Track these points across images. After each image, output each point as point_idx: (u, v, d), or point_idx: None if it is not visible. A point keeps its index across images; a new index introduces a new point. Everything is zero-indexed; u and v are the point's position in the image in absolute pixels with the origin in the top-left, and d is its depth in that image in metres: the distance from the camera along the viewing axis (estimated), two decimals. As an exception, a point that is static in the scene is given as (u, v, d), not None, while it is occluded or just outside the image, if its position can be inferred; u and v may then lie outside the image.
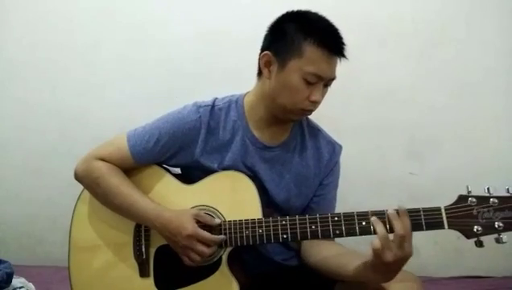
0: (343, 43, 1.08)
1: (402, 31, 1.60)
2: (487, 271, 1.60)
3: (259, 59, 1.13)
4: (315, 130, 1.25)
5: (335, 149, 1.24)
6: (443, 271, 1.62)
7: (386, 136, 1.65)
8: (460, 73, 1.60)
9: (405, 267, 1.10)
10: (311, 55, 1.04)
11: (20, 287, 1.33)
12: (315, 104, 1.09)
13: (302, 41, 1.04)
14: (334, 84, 1.58)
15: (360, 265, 0.94)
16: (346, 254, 1.06)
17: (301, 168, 1.20)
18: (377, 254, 0.88)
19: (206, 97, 1.25)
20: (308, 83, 1.05)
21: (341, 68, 1.58)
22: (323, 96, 1.10)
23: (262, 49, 1.12)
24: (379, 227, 0.90)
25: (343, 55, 1.08)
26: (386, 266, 0.89)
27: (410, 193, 1.60)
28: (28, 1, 1.74)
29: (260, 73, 1.15)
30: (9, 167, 1.81)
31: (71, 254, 1.21)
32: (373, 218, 0.93)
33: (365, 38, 1.61)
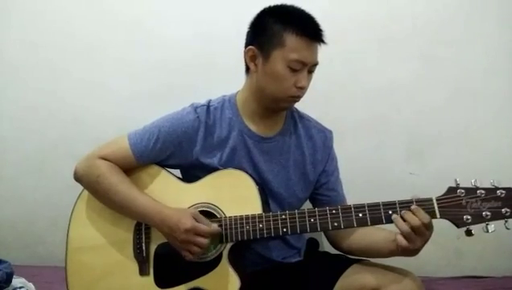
0: (320, 30, 1.13)
1: (402, 31, 1.60)
2: (487, 271, 1.60)
3: (244, 55, 1.18)
4: (306, 120, 1.30)
5: (327, 136, 1.30)
6: (443, 271, 1.62)
7: (386, 136, 1.64)
8: (460, 73, 1.60)
9: (405, 267, 1.12)
10: (292, 44, 1.09)
11: (20, 288, 1.32)
12: (302, 90, 1.14)
13: (282, 32, 1.10)
14: (334, 84, 1.60)
15: (391, 250, 1.08)
16: (378, 241, 1.15)
17: (298, 156, 1.25)
18: (405, 248, 1.00)
19: (206, 97, 1.27)
20: (293, 70, 1.11)
21: (341, 67, 1.60)
22: (308, 82, 1.15)
23: (246, 45, 1.18)
24: (400, 224, 0.99)
25: (322, 41, 1.13)
26: (415, 249, 1.01)
27: (410, 193, 1.60)
28: (28, 1, 1.74)
29: (248, 69, 1.20)
30: (9, 166, 1.80)
31: (68, 252, 1.21)
32: (394, 216, 1.01)
33: (365, 38, 1.61)
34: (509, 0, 1.57)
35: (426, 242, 1.01)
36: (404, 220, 1.00)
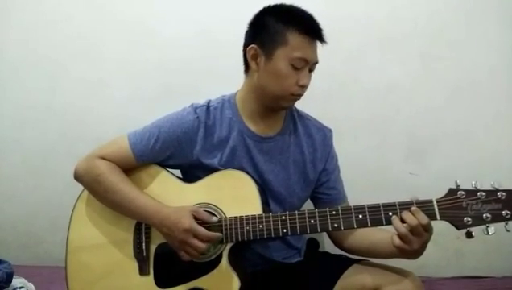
0: (321, 29, 1.14)
1: (402, 31, 1.60)
2: (487, 271, 1.60)
3: (245, 54, 1.18)
4: (305, 119, 1.30)
5: (326, 134, 1.30)
6: (443, 271, 1.62)
7: (386, 136, 1.64)
8: (460, 73, 1.60)
9: (405, 267, 1.12)
10: (295, 42, 1.10)
11: (20, 288, 1.33)
12: (304, 88, 1.15)
13: (284, 30, 1.11)
14: (334, 83, 1.60)
15: (392, 252, 1.05)
16: (379, 241, 1.14)
17: (297, 155, 1.25)
18: (402, 249, 0.99)
19: (207, 96, 1.27)
20: (295, 68, 1.11)
21: (341, 67, 1.60)
22: (309, 80, 1.16)
23: (246, 44, 1.18)
24: (397, 225, 0.99)
25: (323, 40, 1.14)
26: (414, 250, 1.00)
27: (410, 193, 1.59)
28: (28, 0, 1.74)
29: (247, 69, 1.20)
30: (9, 166, 1.81)
31: (68, 252, 1.21)
32: (393, 217, 1.01)
33: (365, 38, 1.61)
34: (510, 0, 1.57)
35: (424, 244, 1.00)
36: (403, 221, 0.99)
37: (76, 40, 1.73)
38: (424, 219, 0.98)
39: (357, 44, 1.61)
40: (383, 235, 1.11)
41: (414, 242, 0.98)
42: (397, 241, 0.99)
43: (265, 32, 1.13)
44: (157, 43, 1.69)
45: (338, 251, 1.29)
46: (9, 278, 1.29)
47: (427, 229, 0.99)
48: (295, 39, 1.10)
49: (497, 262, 1.62)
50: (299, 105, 1.28)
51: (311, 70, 1.15)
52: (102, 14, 1.72)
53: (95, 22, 1.72)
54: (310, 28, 1.12)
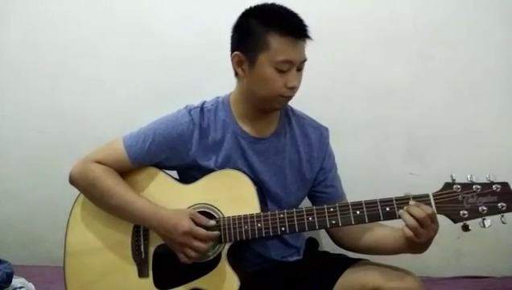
0: (304, 26, 1.10)
1: (402, 31, 1.60)
2: (487, 271, 1.60)
3: (231, 60, 1.16)
4: (301, 118, 1.29)
5: (322, 133, 1.29)
6: (443, 271, 1.62)
7: (386, 136, 1.64)
8: (460, 73, 1.60)
9: (405, 267, 1.12)
10: (277, 46, 1.07)
11: (20, 288, 1.33)
12: (293, 89, 1.12)
13: (265, 34, 1.08)
14: (334, 84, 1.60)
15: (399, 247, 1.07)
16: (382, 237, 1.14)
17: (293, 155, 1.24)
18: (411, 241, 1.00)
19: (208, 96, 1.27)
20: (281, 71, 1.09)
21: (341, 68, 1.60)
22: (299, 80, 1.13)
23: (232, 50, 1.16)
24: (408, 218, 0.99)
25: (307, 37, 1.11)
26: (421, 244, 1.01)
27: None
28: (29, 1, 1.74)
29: (237, 73, 1.19)
30: (9, 166, 1.81)
31: (67, 255, 1.21)
32: (401, 211, 1.01)
33: (365, 38, 1.61)
34: (510, 0, 1.57)
35: (432, 237, 1.01)
36: (410, 215, 0.99)
37: (76, 40, 1.73)
38: (430, 209, 0.99)
39: (357, 44, 1.61)
40: (384, 231, 1.12)
41: (423, 235, 0.98)
42: (409, 232, 0.98)
43: (247, 37, 1.11)
44: (158, 43, 1.69)
45: (338, 251, 1.29)
46: (9, 278, 1.29)
47: (434, 220, 0.99)
48: (275, 41, 1.07)
49: (497, 262, 1.62)
50: (299, 105, 1.28)
51: (300, 69, 1.13)
52: (103, 15, 1.72)
53: (95, 22, 1.72)
54: (292, 28, 1.08)
